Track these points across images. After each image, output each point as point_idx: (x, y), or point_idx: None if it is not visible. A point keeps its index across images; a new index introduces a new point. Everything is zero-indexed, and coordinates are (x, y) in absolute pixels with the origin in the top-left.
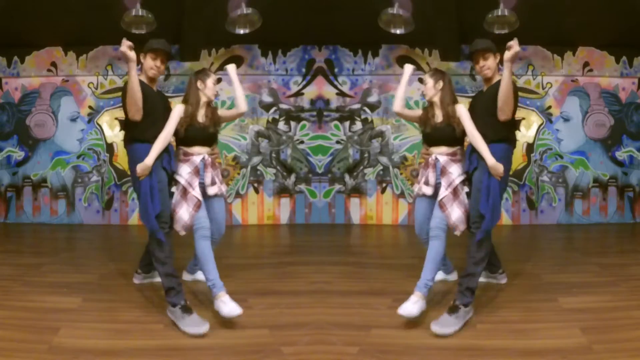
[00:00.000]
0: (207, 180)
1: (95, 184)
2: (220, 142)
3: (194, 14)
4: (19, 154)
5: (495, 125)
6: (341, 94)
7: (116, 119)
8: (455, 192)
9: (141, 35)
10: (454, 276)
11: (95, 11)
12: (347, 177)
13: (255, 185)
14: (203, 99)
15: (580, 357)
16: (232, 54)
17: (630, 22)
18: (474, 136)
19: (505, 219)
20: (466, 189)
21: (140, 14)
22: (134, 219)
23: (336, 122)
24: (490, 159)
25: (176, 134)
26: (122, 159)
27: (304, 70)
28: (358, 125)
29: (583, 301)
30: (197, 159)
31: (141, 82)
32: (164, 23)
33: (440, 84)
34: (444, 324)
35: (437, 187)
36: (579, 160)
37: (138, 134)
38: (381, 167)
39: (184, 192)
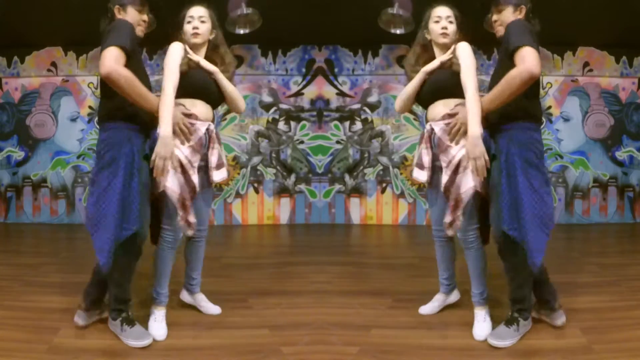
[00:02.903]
0: (213, 161)
1: None
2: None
3: None
4: (19, 154)
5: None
6: (341, 94)
7: None
8: (455, 172)
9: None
10: (454, 297)
11: (95, 11)
12: (347, 177)
13: (255, 185)
14: (194, 40)
15: (580, 357)
16: (233, 54)
17: (630, 22)
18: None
19: None
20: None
21: None
22: None
23: (336, 122)
24: (474, 129)
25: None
26: None
27: (304, 70)
28: (358, 125)
29: (583, 301)
30: (201, 128)
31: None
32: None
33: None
34: (501, 336)
35: (434, 170)
36: (579, 160)
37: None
38: (381, 167)
39: (183, 172)
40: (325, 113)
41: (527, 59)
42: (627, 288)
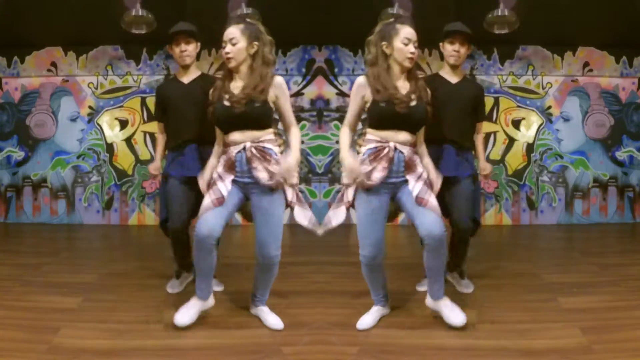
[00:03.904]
0: (260, 176)
1: (95, 184)
2: None
3: (194, 14)
4: (19, 154)
5: (470, 130)
6: (341, 94)
7: (116, 119)
8: (426, 184)
9: (141, 35)
10: (388, 309)
11: (95, 11)
12: None
13: None
14: (232, 63)
15: (580, 357)
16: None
17: (630, 22)
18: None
19: (505, 219)
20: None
21: (140, 14)
22: (134, 219)
23: (336, 122)
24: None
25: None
26: (122, 159)
27: (304, 70)
28: (358, 125)
29: (583, 301)
30: (233, 150)
31: (167, 83)
32: (164, 23)
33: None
34: (467, 285)
35: (381, 186)
36: (579, 160)
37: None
38: None
39: (212, 184)
40: (325, 113)
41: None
42: (627, 288)
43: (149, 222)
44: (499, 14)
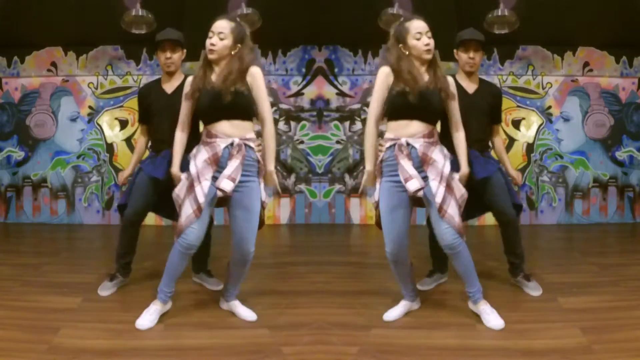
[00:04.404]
0: (226, 172)
1: (95, 184)
2: None
3: (194, 14)
4: (19, 154)
5: (488, 131)
6: (341, 94)
7: (116, 119)
8: (448, 185)
9: (141, 35)
10: (417, 304)
11: (95, 11)
12: (347, 177)
13: None
14: (210, 55)
15: (580, 357)
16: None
17: (630, 22)
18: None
19: None
20: (455, 176)
21: (140, 14)
22: None
23: (336, 122)
24: (465, 167)
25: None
26: (122, 159)
27: (304, 70)
28: (358, 125)
29: (583, 301)
30: (221, 144)
31: (150, 89)
32: (164, 23)
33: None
34: (535, 288)
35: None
36: (579, 160)
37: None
38: None
39: (191, 185)
40: (325, 113)
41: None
42: (627, 288)
43: (149, 222)
44: (499, 14)
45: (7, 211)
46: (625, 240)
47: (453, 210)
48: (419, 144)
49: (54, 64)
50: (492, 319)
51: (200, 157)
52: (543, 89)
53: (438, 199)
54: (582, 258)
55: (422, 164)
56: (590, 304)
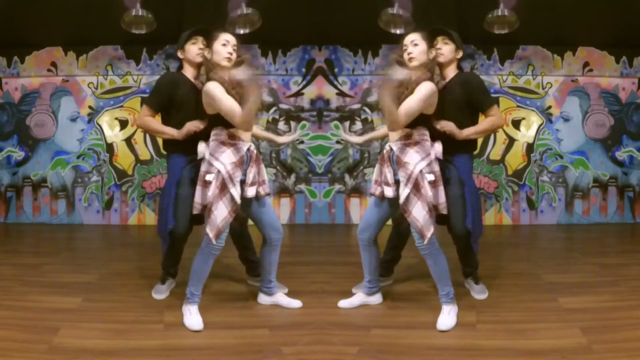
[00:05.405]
0: (249, 178)
1: (95, 184)
2: None
3: (194, 14)
4: (19, 154)
5: (466, 126)
6: (341, 94)
7: (116, 119)
8: (416, 187)
9: (141, 35)
10: (377, 299)
11: (95, 11)
12: (347, 177)
13: None
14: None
15: (580, 357)
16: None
17: (630, 22)
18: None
19: (505, 219)
20: (429, 177)
21: (140, 14)
22: (134, 219)
23: (336, 122)
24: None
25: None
26: (121, 159)
27: (304, 70)
28: (358, 125)
29: (583, 301)
30: (243, 147)
31: (178, 78)
32: (164, 23)
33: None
34: (480, 291)
35: (398, 185)
36: (579, 160)
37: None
38: None
39: (223, 186)
40: (325, 113)
41: (499, 115)
42: (627, 288)
43: (149, 222)
44: (499, 14)
45: (7, 211)
46: (625, 240)
47: (418, 212)
48: (396, 147)
49: (54, 64)
50: (443, 320)
51: (226, 158)
52: (543, 89)
53: (401, 200)
54: (582, 258)
55: (397, 165)
56: (590, 304)
